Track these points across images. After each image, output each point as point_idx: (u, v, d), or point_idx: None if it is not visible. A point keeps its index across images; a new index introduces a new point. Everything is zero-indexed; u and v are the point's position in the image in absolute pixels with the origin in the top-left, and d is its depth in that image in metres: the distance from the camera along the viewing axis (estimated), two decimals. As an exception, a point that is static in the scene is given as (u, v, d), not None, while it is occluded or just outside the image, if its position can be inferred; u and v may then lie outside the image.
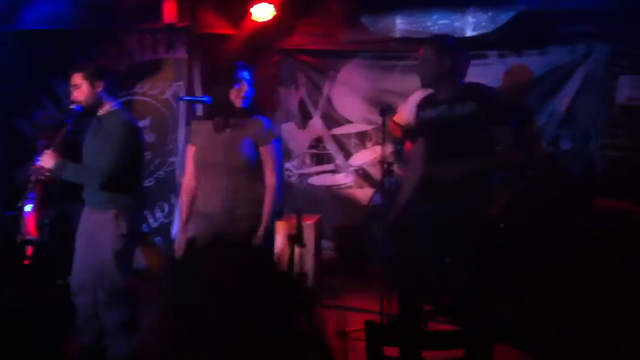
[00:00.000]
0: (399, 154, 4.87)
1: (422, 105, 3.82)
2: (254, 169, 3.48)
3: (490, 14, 5.18)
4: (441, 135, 3.64)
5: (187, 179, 3.65)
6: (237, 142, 3.46)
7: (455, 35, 5.15)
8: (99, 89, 3.59)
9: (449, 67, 3.60)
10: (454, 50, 3.66)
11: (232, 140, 3.47)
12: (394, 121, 5.02)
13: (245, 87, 3.48)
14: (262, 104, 3.73)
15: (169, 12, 5.45)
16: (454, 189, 3.55)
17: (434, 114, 3.69)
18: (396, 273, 3.78)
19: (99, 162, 3.51)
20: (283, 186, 3.61)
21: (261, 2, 5.45)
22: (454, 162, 3.56)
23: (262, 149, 3.47)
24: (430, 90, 4.70)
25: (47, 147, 3.57)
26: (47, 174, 3.50)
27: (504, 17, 5.18)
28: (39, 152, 3.64)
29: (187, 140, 3.67)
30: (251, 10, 5.44)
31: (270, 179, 3.48)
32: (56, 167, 3.47)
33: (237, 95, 3.47)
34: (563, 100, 5.45)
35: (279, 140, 3.57)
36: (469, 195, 3.52)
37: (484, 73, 5.49)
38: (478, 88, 3.69)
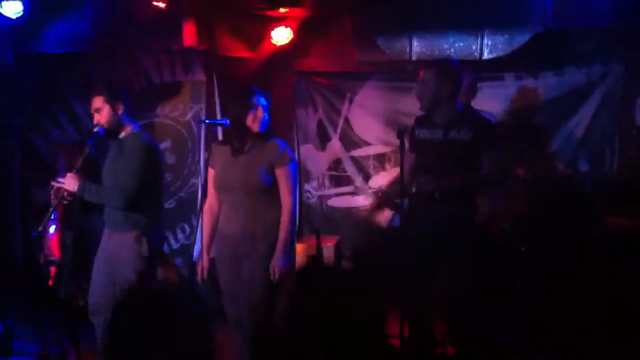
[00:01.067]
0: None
1: (418, 123, 3.88)
2: (271, 191, 3.54)
3: (506, 36, 5.21)
4: (432, 158, 3.72)
5: (209, 200, 3.71)
6: (254, 165, 3.52)
7: (472, 58, 5.20)
8: (120, 112, 3.68)
9: (448, 92, 3.65)
10: (455, 75, 3.70)
11: (248, 164, 3.53)
12: None
13: (261, 112, 3.55)
14: (278, 126, 3.78)
15: (188, 35, 5.53)
16: (441, 202, 3.62)
17: (428, 136, 3.76)
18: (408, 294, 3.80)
19: (120, 183, 3.57)
20: (298, 207, 3.67)
21: (279, 25, 5.52)
22: (442, 177, 3.63)
23: (277, 171, 3.54)
24: None
25: (69, 169, 3.65)
26: (68, 196, 3.56)
27: (520, 39, 5.20)
28: (59, 173, 3.71)
29: (208, 163, 3.72)
30: (271, 34, 5.50)
31: (286, 200, 3.53)
32: (79, 189, 3.53)
33: (254, 121, 3.54)
34: (580, 122, 5.45)
35: (294, 162, 3.62)
36: (457, 209, 3.61)
37: (500, 95, 5.53)
38: (475, 116, 3.76)
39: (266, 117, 3.57)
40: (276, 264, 3.44)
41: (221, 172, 3.66)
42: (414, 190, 3.83)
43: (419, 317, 3.79)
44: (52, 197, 3.61)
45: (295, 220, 3.59)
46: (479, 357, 3.58)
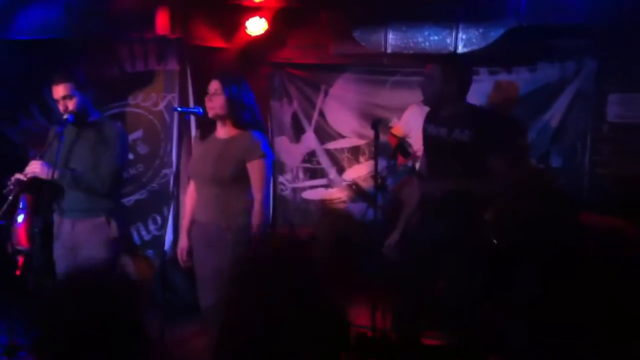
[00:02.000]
0: (391, 168, 4.88)
1: (427, 119, 3.77)
2: (240, 182, 3.48)
3: (481, 30, 5.23)
4: (437, 156, 3.65)
5: (191, 188, 3.69)
6: (223, 156, 3.48)
7: (447, 52, 5.20)
8: (88, 99, 3.67)
9: (455, 89, 3.54)
10: (462, 72, 3.60)
11: (218, 154, 3.49)
12: (392, 134, 5.04)
13: (215, 100, 3.51)
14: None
15: (162, 24, 5.46)
16: (446, 205, 3.54)
17: (434, 132, 3.65)
18: (394, 288, 3.78)
19: (102, 169, 3.56)
20: (270, 202, 3.60)
21: (254, 15, 5.48)
22: (447, 180, 3.55)
23: (248, 165, 3.46)
24: (422, 105, 4.74)
25: (35, 156, 3.61)
26: (26, 180, 3.53)
27: (494, 34, 5.22)
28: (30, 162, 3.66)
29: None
30: (246, 24, 5.46)
31: (256, 195, 3.47)
32: (57, 176, 3.50)
33: (209, 108, 3.53)
34: (553, 117, 5.50)
35: (268, 158, 3.51)
36: (460, 213, 3.51)
37: (474, 89, 5.53)
38: (480, 113, 3.64)
39: (230, 106, 3.50)
40: None
41: (193, 160, 3.68)
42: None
43: (405, 311, 3.76)
44: (10, 183, 3.58)
45: (266, 215, 3.54)
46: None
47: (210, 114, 3.52)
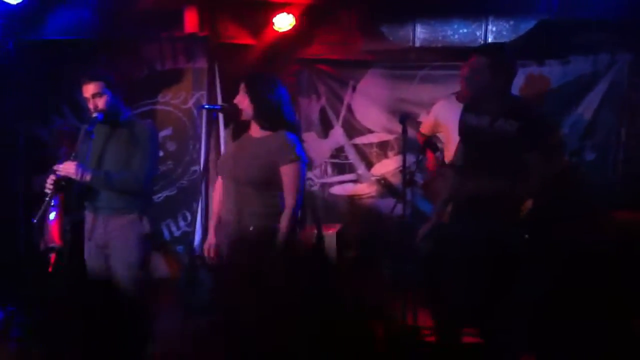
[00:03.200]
0: (420, 164, 4.83)
1: (466, 109, 3.63)
2: (271, 184, 3.42)
3: (511, 22, 5.16)
4: (476, 147, 3.51)
5: (218, 185, 3.70)
6: (255, 155, 3.43)
7: (476, 45, 5.13)
8: (119, 98, 3.70)
9: (502, 81, 3.40)
10: (509, 65, 3.46)
11: (250, 153, 3.45)
12: (420, 133, 4.96)
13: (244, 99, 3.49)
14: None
15: (190, 22, 5.50)
16: (482, 206, 3.41)
17: (474, 122, 3.52)
18: (429, 289, 3.74)
19: (133, 169, 3.60)
20: (299, 209, 3.48)
21: (281, 12, 5.48)
22: (486, 178, 3.42)
23: (281, 169, 3.39)
24: (453, 99, 4.66)
25: (68, 155, 3.65)
26: (62, 182, 3.57)
27: (525, 26, 5.15)
28: (61, 161, 3.70)
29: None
30: (273, 20, 5.46)
31: (288, 200, 3.40)
32: (93, 177, 3.54)
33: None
34: (586, 111, 5.40)
35: (301, 162, 3.43)
36: (498, 215, 3.38)
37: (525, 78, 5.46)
38: (526, 107, 3.50)
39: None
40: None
41: (224, 158, 3.65)
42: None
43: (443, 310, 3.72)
44: (49, 184, 3.61)
45: (296, 220, 3.46)
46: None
47: (240, 115, 3.51)
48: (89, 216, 3.81)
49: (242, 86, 3.49)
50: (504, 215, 3.44)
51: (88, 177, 3.57)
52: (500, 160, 3.39)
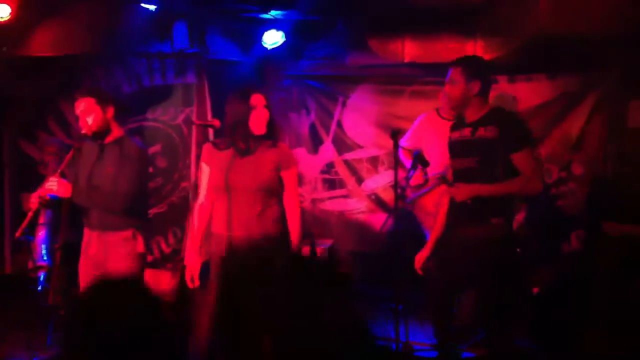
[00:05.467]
0: (410, 179, 4.82)
1: (452, 127, 3.76)
2: (274, 193, 3.46)
3: (500, 38, 5.18)
4: (462, 158, 3.60)
5: (203, 200, 3.61)
6: (263, 166, 3.43)
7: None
8: (109, 115, 3.66)
9: (477, 90, 3.54)
10: (485, 75, 3.61)
11: (257, 165, 3.43)
12: (402, 147, 4.98)
13: (265, 112, 3.46)
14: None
15: (179, 38, 5.49)
16: (473, 211, 3.50)
17: (457, 136, 3.66)
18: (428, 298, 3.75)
19: (118, 187, 3.56)
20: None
21: (271, 28, 5.49)
22: (477, 184, 3.50)
23: (284, 174, 3.46)
24: (434, 113, 4.74)
25: (56, 172, 3.61)
26: (47, 198, 3.54)
27: (514, 42, 5.18)
28: (47, 178, 3.67)
29: (200, 162, 3.66)
30: (263, 37, 5.47)
31: (294, 203, 3.49)
32: (74, 193, 3.50)
33: (257, 121, 3.45)
34: (574, 126, 5.43)
35: (297, 166, 3.57)
36: (488, 219, 3.48)
37: (495, 97, 5.49)
38: (502, 112, 3.62)
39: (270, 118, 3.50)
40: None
41: (221, 172, 3.49)
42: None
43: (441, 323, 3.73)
44: (32, 201, 3.58)
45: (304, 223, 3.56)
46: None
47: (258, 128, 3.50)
48: (86, 232, 3.78)
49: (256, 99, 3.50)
50: (497, 227, 3.49)
51: (72, 194, 3.52)
52: (484, 167, 3.50)
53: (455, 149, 3.68)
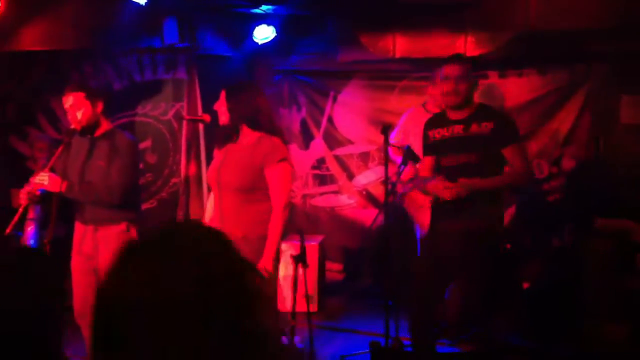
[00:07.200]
0: (401, 174, 4.83)
1: (430, 125, 3.77)
2: (257, 190, 3.36)
3: (490, 33, 5.19)
4: (457, 154, 3.60)
5: (211, 198, 3.64)
6: (242, 162, 3.37)
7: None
8: (99, 109, 3.65)
9: (467, 87, 3.58)
10: (472, 69, 3.66)
11: (236, 161, 3.40)
12: (391, 144, 4.96)
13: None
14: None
15: (170, 33, 5.46)
16: (464, 206, 3.50)
17: (447, 134, 3.66)
18: (408, 291, 3.74)
19: (111, 180, 3.55)
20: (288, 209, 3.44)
21: (262, 23, 5.47)
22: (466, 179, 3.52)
23: (267, 171, 3.33)
24: (421, 109, 4.74)
25: (46, 167, 3.59)
26: (37, 193, 3.52)
27: (504, 37, 5.18)
28: (36, 173, 3.65)
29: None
30: (254, 32, 5.46)
31: (276, 201, 3.31)
32: (65, 188, 3.49)
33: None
34: (564, 121, 5.45)
35: (287, 161, 3.37)
36: (479, 213, 3.49)
37: (485, 92, 5.51)
38: (491, 108, 3.71)
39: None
40: (266, 266, 3.28)
41: (211, 167, 3.53)
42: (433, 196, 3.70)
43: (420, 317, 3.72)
44: (22, 196, 3.57)
45: (285, 223, 3.37)
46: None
47: (219, 121, 3.48)
48: (78, 227, 3.75)
49: (222, 94, 3.46)
50: (486, 218, 3.53)
51: (62, 189, 3.50)
52: (477, 162, 3.55)
53: (444, 146, 3.68)
